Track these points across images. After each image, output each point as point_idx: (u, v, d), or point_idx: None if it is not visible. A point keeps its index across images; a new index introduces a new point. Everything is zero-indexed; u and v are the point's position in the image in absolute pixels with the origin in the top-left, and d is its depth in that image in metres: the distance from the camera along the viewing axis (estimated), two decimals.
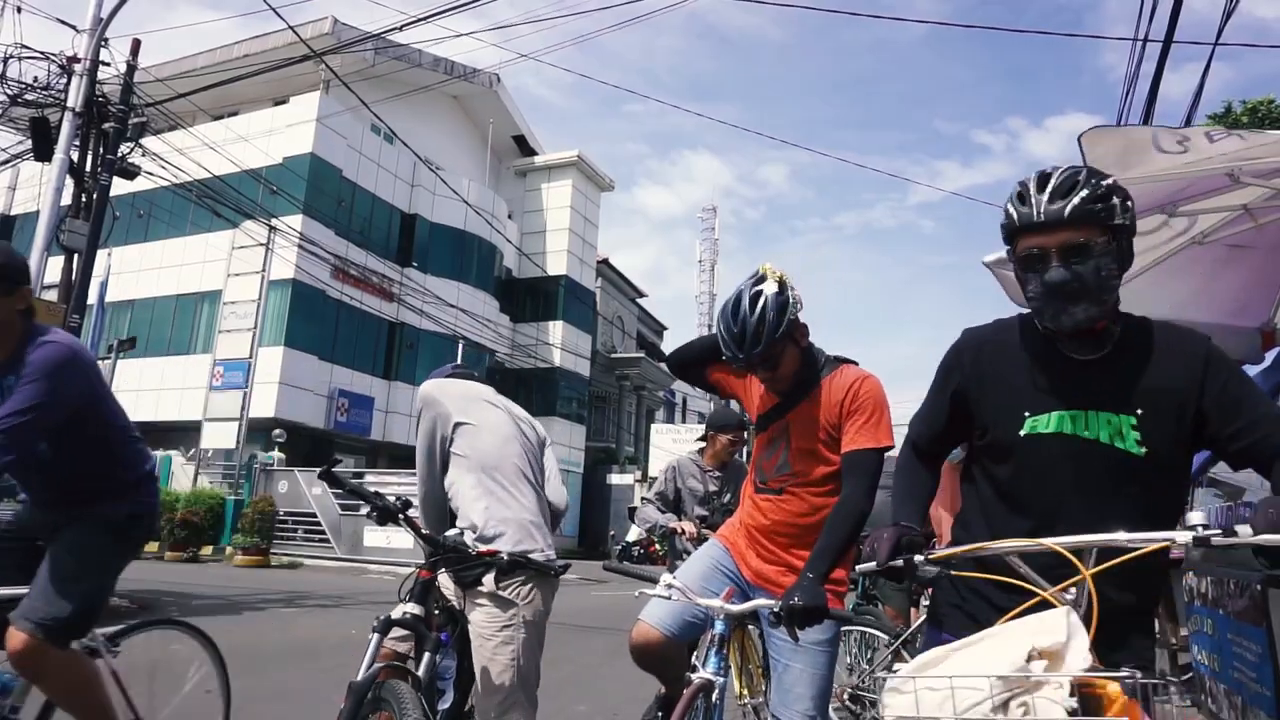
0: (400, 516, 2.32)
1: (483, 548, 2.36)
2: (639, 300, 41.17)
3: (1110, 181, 1.53)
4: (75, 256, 8.83)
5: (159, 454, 21.59)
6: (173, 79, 15.13)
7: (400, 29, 10.93)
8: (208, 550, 17.82)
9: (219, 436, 21.04)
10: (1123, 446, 1.53)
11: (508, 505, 2.47)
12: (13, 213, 28.15)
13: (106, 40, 9.29)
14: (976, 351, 1.72)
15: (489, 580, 2.35)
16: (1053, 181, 1.53)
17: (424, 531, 2.43)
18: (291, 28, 11.29)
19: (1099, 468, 1.54)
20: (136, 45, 9.73)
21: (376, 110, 14.43)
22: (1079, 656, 1.31)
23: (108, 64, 9.40)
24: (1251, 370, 2.97)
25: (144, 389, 23.54)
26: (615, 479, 31.27)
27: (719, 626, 2.05)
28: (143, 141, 10.21)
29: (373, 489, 2.41)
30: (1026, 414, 1.59)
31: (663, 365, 39.24)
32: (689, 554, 3.60)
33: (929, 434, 1.80)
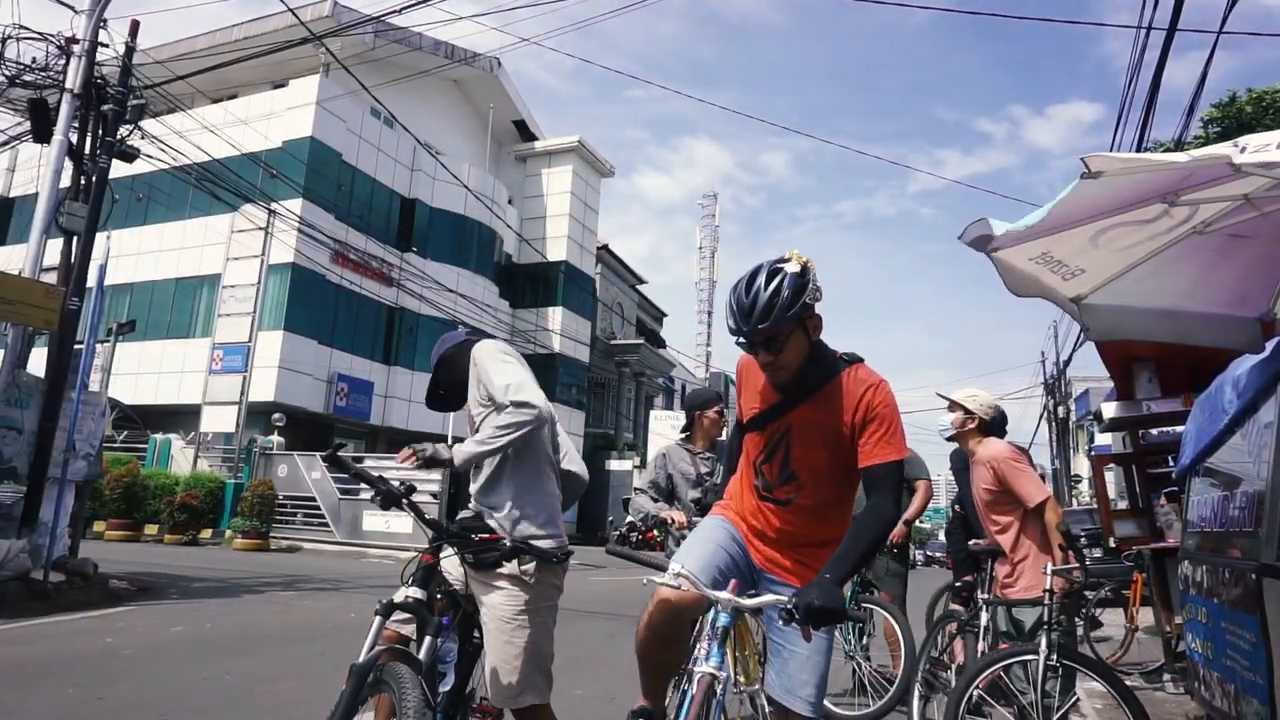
0: (404, 501, 2.33)
1: (489, 532, 2.38)
2: (639, 286, 41.13)
3: None
4: (74, 239, 8.79)
5: (159, 437, 21.62)
6: (172, 61, 15.04)
7: (400, 12, 10.83)
8: (207, 533, 17.88)
9: (218, 420, 21.06)
10: None
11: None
12: (11, 194, 28.10)
13: (105, 21, 9.21)
14: None
15: (512, 564, 2.36)
16: None
17: (426, 516, 2.45)
18: (291, 10, 11.20)
19: None
20: (135, 27, 9.66)
21: (376, 94, 14.34)
22: None
23: (106, 45, 9.32)
24: (1251, 360, 2.96)
25: (143, 372, 23.56)
26: (614, 465, 31.34)
27: (724, 619, 1.96)
28: (142, 124, 10.14)
29: (376, 474, 2.41)
30: None
31: (661, 352, 39.29)
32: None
33: None
